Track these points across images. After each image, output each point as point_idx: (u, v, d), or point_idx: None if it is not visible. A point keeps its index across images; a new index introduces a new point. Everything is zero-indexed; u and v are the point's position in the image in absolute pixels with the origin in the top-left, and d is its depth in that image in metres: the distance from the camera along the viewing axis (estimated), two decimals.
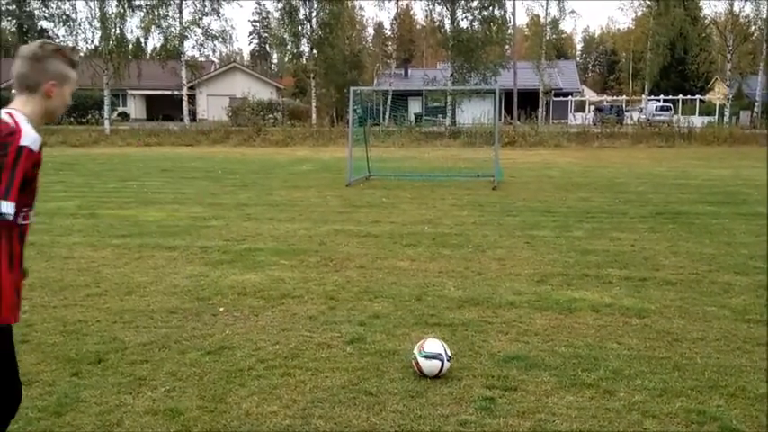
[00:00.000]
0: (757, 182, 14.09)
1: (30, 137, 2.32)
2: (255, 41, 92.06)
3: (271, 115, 37.56)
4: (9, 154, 2.26)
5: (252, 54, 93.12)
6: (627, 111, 46.52)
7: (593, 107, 50.85)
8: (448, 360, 3.85)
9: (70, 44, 38.72)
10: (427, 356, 3.84)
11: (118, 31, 35.57)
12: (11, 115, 2.37)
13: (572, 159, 21.45)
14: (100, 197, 12.01)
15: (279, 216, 9.84)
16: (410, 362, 3.94)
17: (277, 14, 42.30)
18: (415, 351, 3.90)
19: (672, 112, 42.97)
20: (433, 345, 3.89)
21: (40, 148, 2.36)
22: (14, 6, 37.08)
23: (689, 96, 48.05)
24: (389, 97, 39.98)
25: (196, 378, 3.90)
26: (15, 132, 2.30)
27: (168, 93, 42.15)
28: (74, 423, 3.35)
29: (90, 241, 7.97)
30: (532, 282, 6.08)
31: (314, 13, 39.01)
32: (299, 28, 39.13)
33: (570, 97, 51.95)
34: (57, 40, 38.32)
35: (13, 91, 2.50)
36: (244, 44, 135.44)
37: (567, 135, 30.55)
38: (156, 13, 36.99)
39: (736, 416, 3.41)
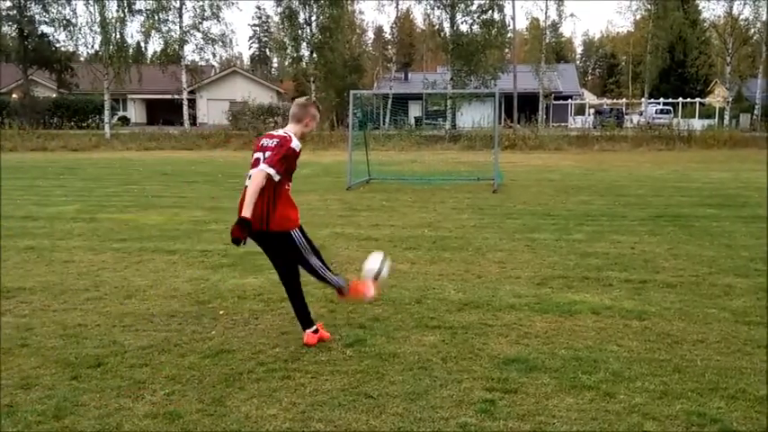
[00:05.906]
0: (757, 184, 14.09)
1: (296, 143, 4.26)
2: (255, 45, 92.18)
3: (271, 119, 37.52)
4: (284, 148, 4.21)
5: (252, 58, 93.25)
6: (627, 114, 46.63)
7: (592, 110, 51.00)
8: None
9: (71, 49, 38.91)
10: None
11: (118, 36, 35.58)
12: (287, 133, 4.32)
13: (572, 162, 21.46)
14: (100, 201, 12.01)
15: None
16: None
17: (277, 18, 42.46)
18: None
19: (672, 115, 43.01)
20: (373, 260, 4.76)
21: (300, 150, 4.28)
22: (15, 11, 37.14)
23: (689, 99, 48.06)
24: (389, 101, 40.00)
25: (196, 381, 3.90)
26: (289, 140, 4.27)
27: (168, 97, 42.18)
28: (73, 427, 3.35)
29: (90, 245, 7.97)
30: (533, 284, 6.08)
31: (314, 17, 39.02)
32: (299, 32, 39.14)
33: (570, 100, 52.02)
34: (57, 45, 38.57)
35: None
36: (244, 48, 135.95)
37: (567, 138, 30.60)
38: (157, 17, 37.06)
39: (736, 418, 3.41)
